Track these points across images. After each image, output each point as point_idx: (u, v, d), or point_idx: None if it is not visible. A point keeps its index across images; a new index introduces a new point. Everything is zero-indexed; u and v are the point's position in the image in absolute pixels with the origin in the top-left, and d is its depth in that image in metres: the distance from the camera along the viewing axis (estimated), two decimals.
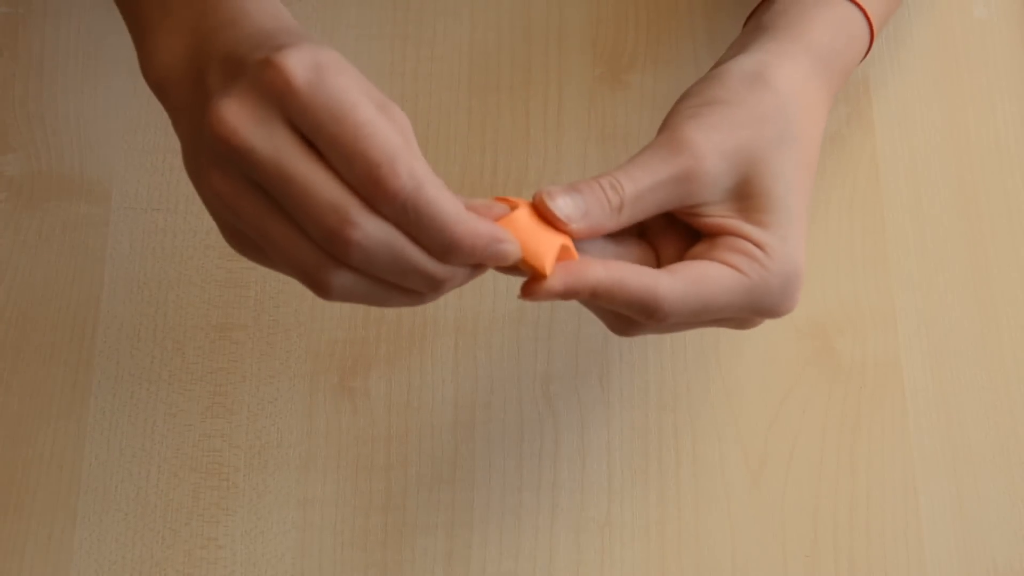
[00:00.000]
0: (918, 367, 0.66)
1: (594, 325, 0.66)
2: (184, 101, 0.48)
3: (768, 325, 0.66)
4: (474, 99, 0.71)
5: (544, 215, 0.49)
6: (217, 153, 0.44)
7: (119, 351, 0.65)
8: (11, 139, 0.69)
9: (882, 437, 0.64)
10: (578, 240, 0.50)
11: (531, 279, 0.48)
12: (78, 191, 0.68)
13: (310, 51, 0.44)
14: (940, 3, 0.73)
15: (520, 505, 0.63)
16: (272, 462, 0.64)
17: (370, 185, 0.43)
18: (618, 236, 0.52)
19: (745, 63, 0.54)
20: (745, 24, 0.61)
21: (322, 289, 0.45)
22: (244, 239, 0.47)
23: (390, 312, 0.66)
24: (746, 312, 0.52)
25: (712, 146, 0.51)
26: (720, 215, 0.51)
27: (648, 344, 0.66)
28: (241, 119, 0.43)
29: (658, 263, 0.53)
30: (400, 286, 0.46)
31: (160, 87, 0.50)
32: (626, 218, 0.50)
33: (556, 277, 0.48)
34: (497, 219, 0.47)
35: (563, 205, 0.49)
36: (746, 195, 0.51)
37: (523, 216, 0.48)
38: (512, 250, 0.46)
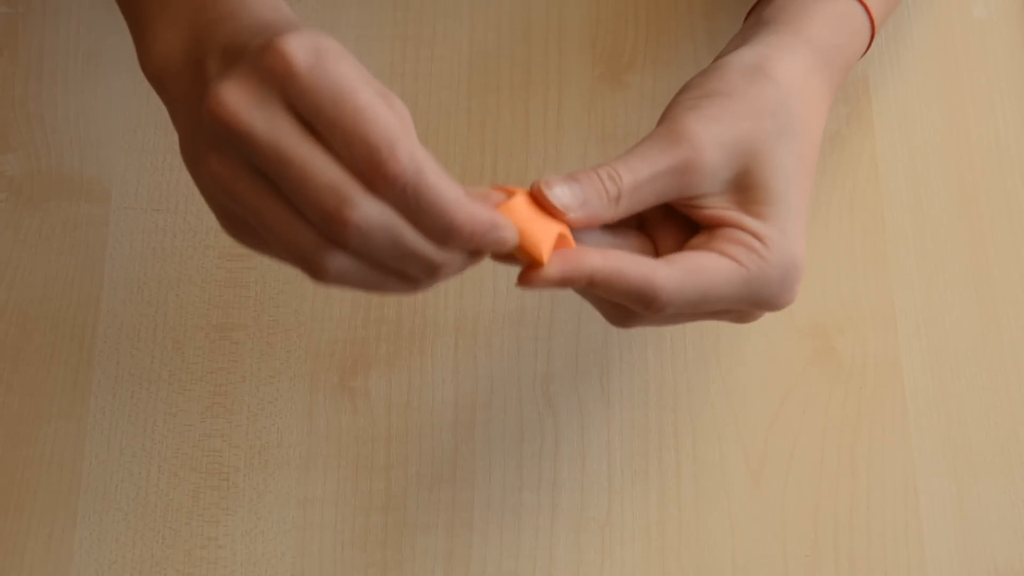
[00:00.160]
0: (918, 367, 0.66)
1: (594, 325, 0.66)
2: (182, 92, 0.48)
3: (768, 325, 0.66)
4: (474, 99, 0.71)
5: (542, 204, 0.49)
6: (216, 136, 0.44)
7: (119, 351, 0.65)
8: (11, 139, 0.69)
9: (882, 437, 0.64)
10: (576, 230, 0.50)
11: (528, 267, 0.48)
12: (78, 191, 0.68)
13: (311, 37, 0.44)
14: (940, 3, 0.73)
15: (520, 505, 0.63)
16: (272, 462, 0.64)
17: (370, 168, 0.43)
18: (616, 228, 0.52)
19: (745, 56, 0.54)
20: (745, 20, 0.61)
21: (318, 273, 0.45)
22: (240, 225, 0.46)
23: (390, 312, 0.66)
24: (744, 304, 0.52)
25: (711, 137, 0.51)
26: (719, 207, 0.51)
27: (648, 344, 0.66)
28: (240, 101, 0.43)
29: (657, 255, 0.53)
30: (396, 271, 0.46)
31: (158, 79, 0.50)
32: (624, 208, 0.50)
33: (553, 265, 0.48)
34: (495, 207, 0.47)
35: (560, 194, 0.49)
36: (745, 187, 0.51)
37: (521, 204, 0.48)
38: (510, 237, 0.46)
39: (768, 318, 0.66)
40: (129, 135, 0.69)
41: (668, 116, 0.52)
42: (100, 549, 0.62)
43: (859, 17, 0.59)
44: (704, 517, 0.63)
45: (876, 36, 0.60)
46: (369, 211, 0.43)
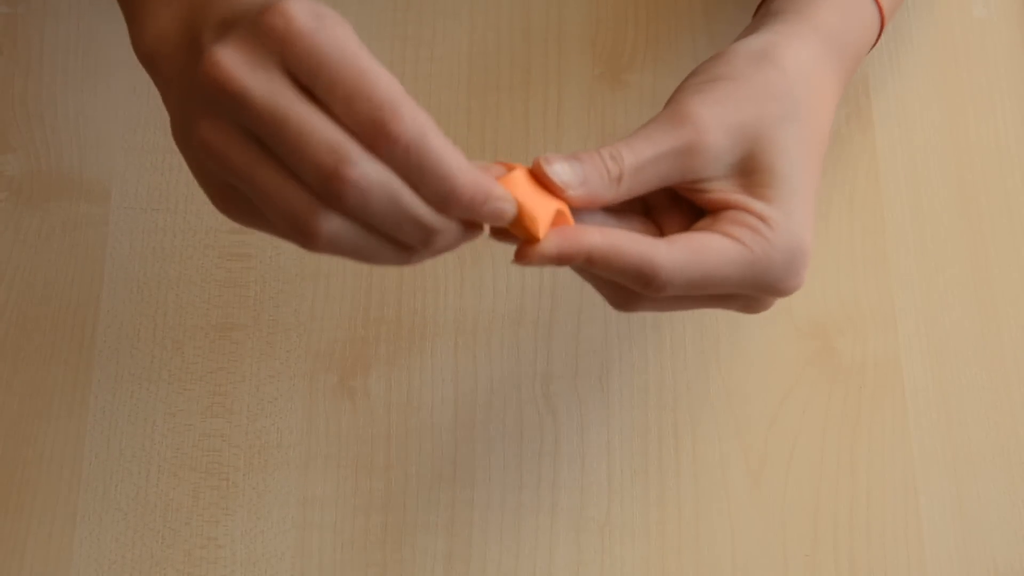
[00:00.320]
0: (918, 367, 0.66)
1: (594, 325, 0.66)
2: (176, 71, 0.47)
3: (768, 325, 0.66)
4: (474, 99, 0.71)
5: (542, 180, 0.48)
6: (209, 101, 0.43)
7: (119, 351, 0.65)
8: (11, 139, 0.69)
9: (882, 437, 0.64)
10: (577, 211, 0.49)
11: (524, 242, 0.47)
12: (78, 191, 0.68)
13: (311, 3, 0.43)
14: (940, 3, 0.73)
15: (520, 505, 0.63)
16: (272, 462, 0.64)
17: (372, 127, 0.42)
18: (621, 212, 0.52)
19: (752, 43, 0.54)
20: (755, 13, 0.60)
21: (310, 236, 0.44)
22: (231, 196, 0.46)
23: (390, 312, 0.66)
24: (749, 288, 0.51)
25: (716, 120, 0.50)
26: (723, 191, 0.51)
27: (648, 344, 0.66)
28: (237, 61, 0.43)
29: None
30: (391, 237, 0.45)
31: (151, 59, 0.49)
32: (625, 189, 0.50)
33: (550, 241, 0.47)
34: (495, 179, 0.47)
35: (560, 170, 0.48)
36: (750, 171, 0.51)
37: (521, 179, 0.47)
38: (508, 208, 0.45)
39: (768, 318, 0.66)
40: (129, 135, 0.69)
41: (673, 100, 0.52)
42: (100, 549, 0.62)
43: (868, 8, 0.59)
44: (704, 517, 0.63)
45: (885, 26, 0.60)
46: (369, 170, 0.42)
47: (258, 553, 0.62)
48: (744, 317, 0.66)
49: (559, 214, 0.48)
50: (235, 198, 0.46)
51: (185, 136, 0.46)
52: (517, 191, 0.47)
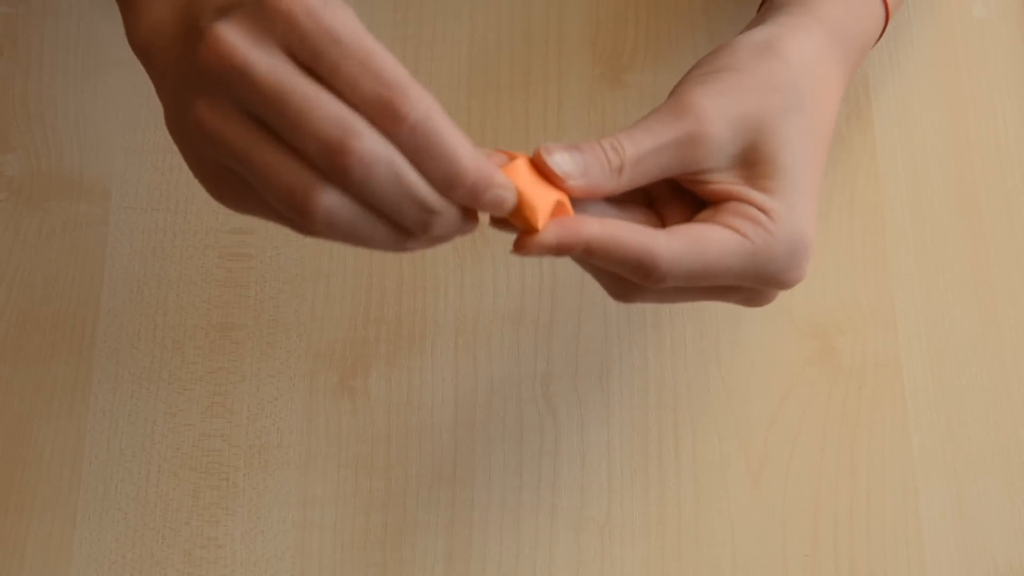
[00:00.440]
0: (918, 367, 0.66)
1: (594, 325, 0.66)
2: (170, 60, 0.47)
3: (768, 325, 0.66)
4: (474, 99, 0.71)
5: (542, 170, 0.48)
6: (207, 81, 0.43)
7: (119, 351, 0.65)
8: (11, 138, 0.69)
9: (882, 437, 0.64)
10: (578, 201, 0.49)
11: (523, 233, 0.47)
12: (78, 190, 0.68)
13: None
14: (940, 3, 0.73)
15: (520, 505, 0.63)
16: (272, 462, 0.64)
17: (378, 106, 0.42)
18: (622, 203, 0.52)
19: (756, 35, 0.54)
20: (760, 8, 0.60)
21: (307, 213, 0.43)
22: (226, 179, 0.45)
23: (390, 312, 0.66)
24: (750, 280, 0.50)
25: (718, 111, 0.50)
26: (725, 182, 0.51)
27: (648, 344, 0.66)
28: (239, 39, 0.42)
29: None
30: (390, 217, 0.44)
31: (146, 51, 0.49)
32: (627, 180, 0.49)
33: (549, 231, 0.47)
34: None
35: (561, 160, 0.48)
36: (752, 162, 0.51)
37: (521, 168, 0.47)
38: (509, 197, 0.45)
39: (768, 318, 0.66)
40: (129, 135, 0.69)
41: (675, 91, 0.52)
42: (100, 549, 0.62)
43: (873, 1, 0.58)
44: (704, 517, 0.63)
45: (891, 19, 0.60)
46: (374, 144, 0.42)
47: (258, 553, 0.62)
48: (744, 317, 0.66)
49: (559, 204, 0.48)
50: (230, 182, 0.45)
51: (180, 122, 0.46)
52: (518, 180, 0.46)
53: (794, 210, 0.50)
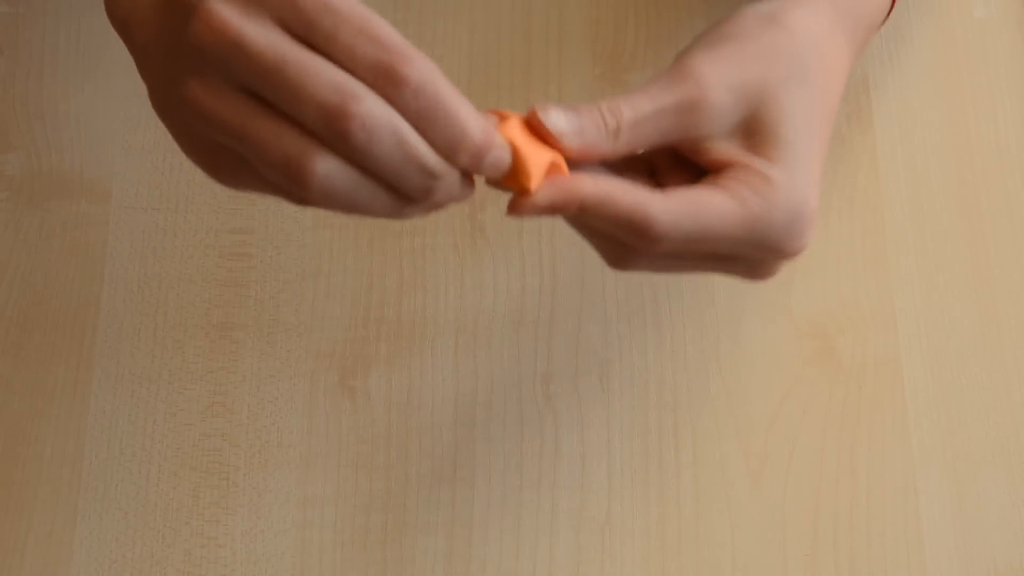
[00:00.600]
0: (918, 367, 0.66)
1: (594, 325, 0.66)
2: (152, 34, 0.46)
3: (768, 325, 0.66)
4: (474, 99, 0.69)
5: (536, 129, 0.47)
6: (199, 59, 0.43)
7: (119, 350, 0.65)
8: (11, 138, 0.69)
9: (882, 437, 0.64)
10: (573, 162, 0.48)
11: (517, 193, 0.46)
12: (78, 190, 0.68)
13: None
14: (940, 3, 0.73)
15: (520, 504, 0.63)
16: (272, 461, 0.64)
17: (379, 69, 0.41)
18: (624, 173, 0.51)
19: (761, 6, 0.53)
20: None
21: (302, 180, 0.42)
22: (219, 156, 0.45)
23: (390, 312, 0.66)
24: (748, 247, 0.49)
25: (718, 77, 0.49)
26: (725, 150, 0.50)
27: (648, 344, 0.66)
28: (231, 13, 0.42)
29: None
30: (389, 183, 0.43)
31: (125, 24, 0.48)
32: (624, 144, 0.48)
33: (543, 191, 0.46)
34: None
35: (556, 119, 0.47)
36: (753, 131, 0.50)
37: (515, 128, 0.46)
38: (504, 157, 0.45)
39: (768, 318, 0.66)
40: (129, 134, 0.69)
41: (677, 59, 0.51)
42: (100, 548, 0.62)
43: None
44: (704, 517, 0.63)
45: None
46: (375, 108, 0.41)
47: (258, 552, 0.62)
48: (744, 317, 0.66)
49: (553, 165, 0.47)
50: (224, 158, 0.45)
51: (169, 100, 0.45)
52: (512, 141, 0.45)
53: (795, 178, 0.49)
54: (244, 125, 0.42)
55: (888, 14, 0.60)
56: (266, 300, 0.66)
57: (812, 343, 0.66)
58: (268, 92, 0.42)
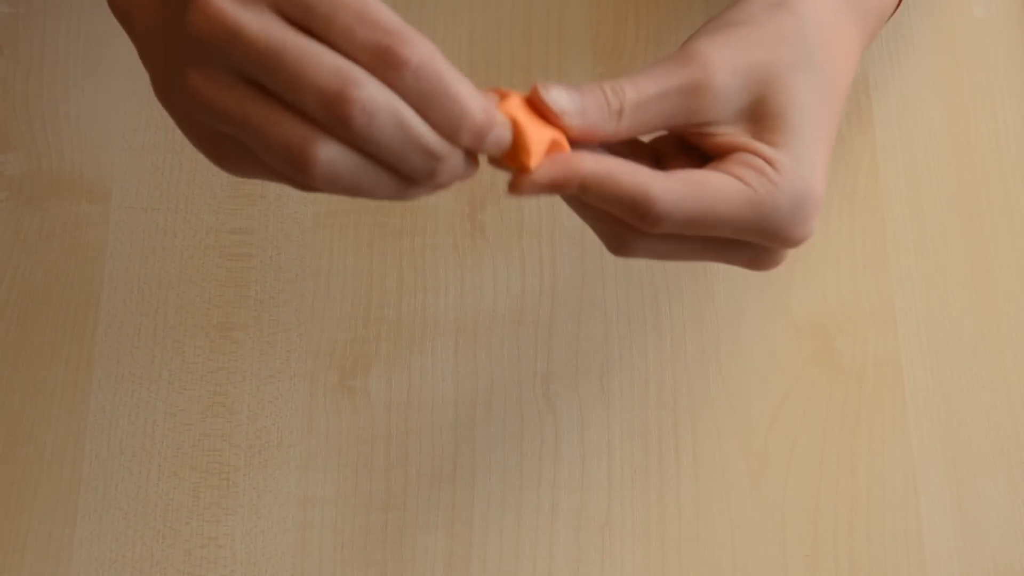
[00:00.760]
0: (918, 367, 0.66)
1: (594, 325, 0.66)
2: (152, 23, 0.46)
3: (768, 325, 0.66)
4: None
5: (537, 107, 0.47)
6: (198, 49, 0.43)
7: (119, 350, 0.65)
8: (11, 138, 0.69)
9: (882, 437, 0.64)
10: (575, 142, 0.48)
11: (517, 171, 0.46)
12: (78, 190, 0.68)
13: None
14: (940, 3, 0.73)
15: (520, 504, 0.63)
16: (272, 461, 0.64)
17: (378, 53, 0.41)
18: (628, 159, 0.49)
19: None
20: None
21: (305, 167, 0.42)
22: (223, 144, 0.45)
23: (390, 312, 0.66)
24: (752, 232, 0.49)
25: (724, 61, 0.48)
26: (731, 135, 0.49)
27: (648, 344, 0.66)
28: (226, 2, 0.42)
29: None
30: (392, 166, 0.43)
31: (126, 13, 0.48)
32: (627, 126, 0.48)
33: (543, 168, 0.46)
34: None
35: (557, 97, 0.47)
36: (759, 116, 0.49)
37: (516, 106, 0.46)
38: (505, 135, 0.44)
39: (768, 318, 0.66)
40: (129, 135, 0.69)
41: (683, 44, 0.50)
42: (100, 548, 0.62)
43: None
44: (704, 517, 0.63)
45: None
46: (375, 92, 0.41)
47: (258, 553, 0.62)
48: (744, 317, 0.66)
49: (554, 143, 0.46)
50: (228, 146, 0.45)
51: (170, 89, 0.45)
52: (512, 118, 0.45)
53: (801, 163, 0.49)
54: (245, 114, 0.42)
55: (898, 5, 0.60)
56: (266, 300, 0.66)
57: (812, 343, 0.66)
58: (267, 80, 0.42)
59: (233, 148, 0.45)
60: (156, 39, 0.46)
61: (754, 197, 0.48)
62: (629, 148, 0.51)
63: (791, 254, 0.62)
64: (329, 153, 0.42)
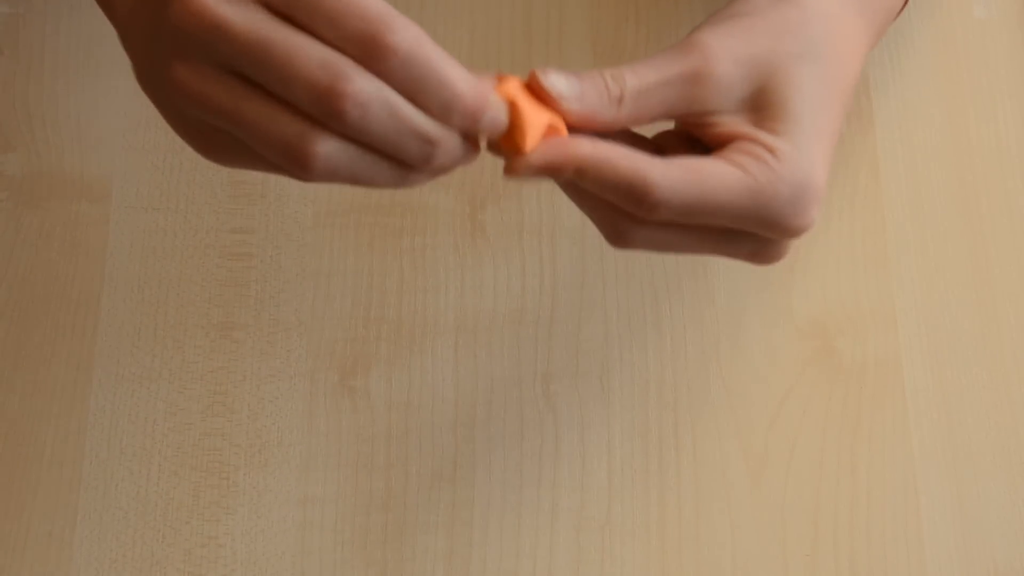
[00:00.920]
0: (918, 367, 0.66)
1: (594, 325, 0.66)
2: (132, 9, 0.46)
3: (768, 325, 0.66)
4: None
5: (536, 92, 0.46)
6: (182, 41, 0.42)
7: (119, 350, 0.65)
8: (11, 138, 0.69)
9: (882, 437, 0.64)
10: (574, 129, 0.47)
11: (513, 153, 0.46)
12: (78, 190, 0.68)
13: None
14: (940, 3, 0.73)
15: (520, 504, 0.63)
16: (272, 461, 0.64)
17: (365, 43, 0.41)
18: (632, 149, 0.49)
19: None
20: None
21: (304, 163, 0.42)
22: (213, 137, 0.44)
23: (390, 312, 0.66)
24: (752, 221, 0.48)
25: (726, 51, 0.48)
26: (732, 124, 0.49)
27: (648, 344, 0.66)
28: None
29: None
30: (390, 155, 0.43)
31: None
32: (628, 114, 0.48)
33: (539, 151, 0.45)
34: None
35: (556, 81, 0.46)
36: (761, 105, 0.49)
37: (514, 89, 0.46)
38: (499, 115, 0.44)
39: (768, 318, 0.66)
40: (129, 134, 0.69)
41: (687, 35, 0.50)
42: (100, 548, 0.62)
43: None
44: (704, 517, 0.63)
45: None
46: (365, 84, 0.41)
47: (258, 552, 0.62)
48: (744, 317, 0.66)
49: (551, 128, 0.46)
50: (218, 139, 0.44)
51: (155, 82, 0.45)
52: (509, 100, 0.45)
53: (802, 152, 0.48)
54: (238, 109, 0.42)
55: (905, 3, 0.60)
56: (266, 300, 0.66)
57: (812, 343, 0.66)
58: (256, 75, 0.42)
59: (225, 141, 0.44)
60: (139, 25, 0.46)
61: (753, 184, 0.47)
62: (630, 142, 0.50)
63: (791, 254, 0.63)
64: (327, 148, 0.42)
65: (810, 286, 0.67)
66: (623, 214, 0.48)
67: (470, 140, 0.45)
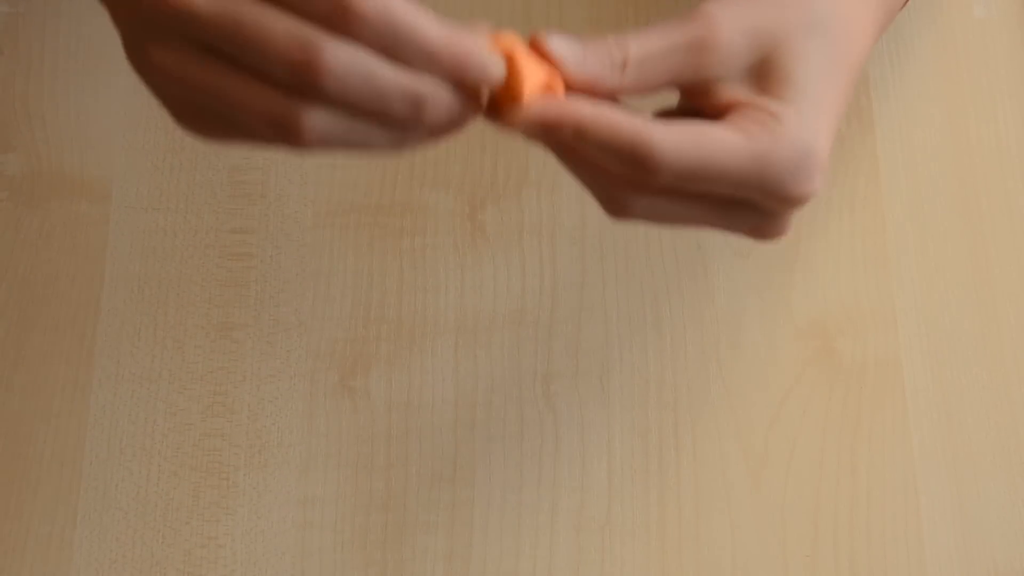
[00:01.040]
0: (918, 367, 0.66)
1: (594, 325, 0.66)
2: None
3: (768, 325, 0.66)
4: None
5: (539, 53, 0.46)
6: (156, 24, 0.43)
7: (119, 350, 0.65)
8: (11, 138, 0.69)
9: (882, 437, 0.64)
10: (573, 93, 0.47)
11: (510, 102, 0.45)
12: (78, 190, 0.68)
13: None
14: (940, 3, 0.73)
15: (520, 504, 0.63)
16: (272, 461, 0.64)
17: (333, 11, 0.41)
18: None
19: None
20: None
21: (296, 135, 0.42)
22: (201, 113, 0.44)
23: (390, 312, 0.66)
24: (755, 187, 0.47)
25: (730, 20, 0.48)
26: (735, 91, 0.48)
27: (648, 344, 0.66)
28: None
29: None
30: (380, 117, 0.43)
31: None
32: (631, 80, 0.47)
33: (537, 105, 0.45)
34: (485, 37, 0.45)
35: (558, 44, 0.46)
36: (765, 74, 0.48)
37: (511, 42, 0.45)
38: (492, 65, 0.44)
39: (768, 318, 0.66)
40: (129, 134, 0.69)
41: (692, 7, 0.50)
42: (100, 548, 0.62)
43: None
44: (704, 517, 0.63)
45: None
46: (340, 52, 0.41)
47: (258, 552, 0.62)
48: (744, 317, 0.66)
49: (549, 88, 0.46)
50: (207, 115, 0.44)
51: (139, 62, 0.45)
52: (508, 52, 0.44)
53: (805, 119, 0.48)
54: (221, 87, 0.42)
55: (904, 3, 0.60)
56: (266, 300, 0.66)
57: (812, 343, 0.66)
58: (230, 52, 0.42)
59: (215, 118, 0.44)
60: (121, 10, 0.46)
61: (755, 147, 0.47)
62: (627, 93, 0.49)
63: (792, 254, 0.63)
64: (315, 119, 0.42)
65: (810, 286, 0.67)
66: (622, 182, 0.47)
67: (469, 96, 0.45)
